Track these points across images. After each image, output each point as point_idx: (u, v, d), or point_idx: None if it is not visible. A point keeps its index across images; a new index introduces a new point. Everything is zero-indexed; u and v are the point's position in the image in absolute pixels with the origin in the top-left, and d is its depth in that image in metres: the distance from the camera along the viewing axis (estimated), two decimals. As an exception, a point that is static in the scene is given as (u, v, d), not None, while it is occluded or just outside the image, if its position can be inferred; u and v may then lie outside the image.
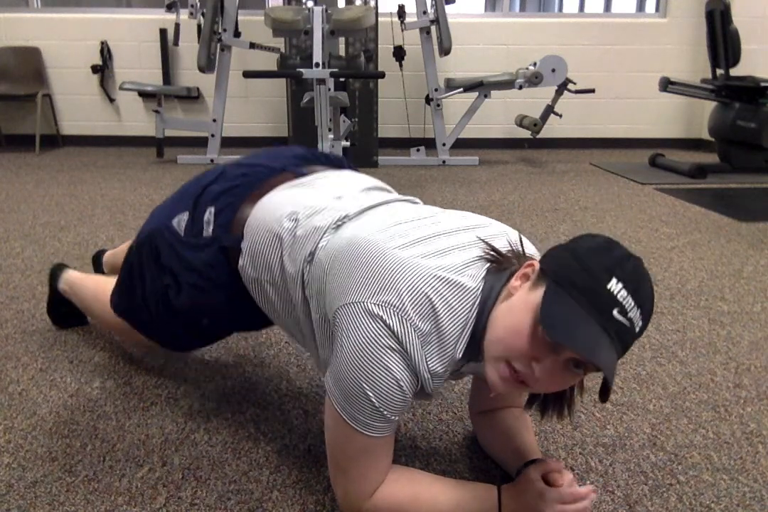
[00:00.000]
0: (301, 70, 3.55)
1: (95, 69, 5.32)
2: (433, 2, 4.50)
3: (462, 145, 5.23)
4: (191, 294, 1.24)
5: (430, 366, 0.93)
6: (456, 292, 0.92)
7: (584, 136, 5.60)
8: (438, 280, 0.92)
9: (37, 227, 2.92)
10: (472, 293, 0.93)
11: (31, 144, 5.12)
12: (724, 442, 1.32)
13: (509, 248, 1.02)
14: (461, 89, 4.62)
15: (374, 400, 0.92)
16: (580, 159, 5.12)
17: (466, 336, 0.94)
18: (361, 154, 4.65)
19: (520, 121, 4.89)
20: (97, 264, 1.90)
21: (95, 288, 1.59)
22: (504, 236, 1.05)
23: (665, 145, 5.59)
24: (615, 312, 0.83)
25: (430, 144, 5.07)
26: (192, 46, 4.89)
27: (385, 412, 0.93)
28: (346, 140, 4.10)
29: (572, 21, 5.37)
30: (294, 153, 1.38)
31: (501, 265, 0.97)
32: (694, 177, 4.21)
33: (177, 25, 4.72)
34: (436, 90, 4.72)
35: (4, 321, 1.88)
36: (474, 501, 1.02)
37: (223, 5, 4.39)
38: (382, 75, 3.53)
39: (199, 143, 5.15)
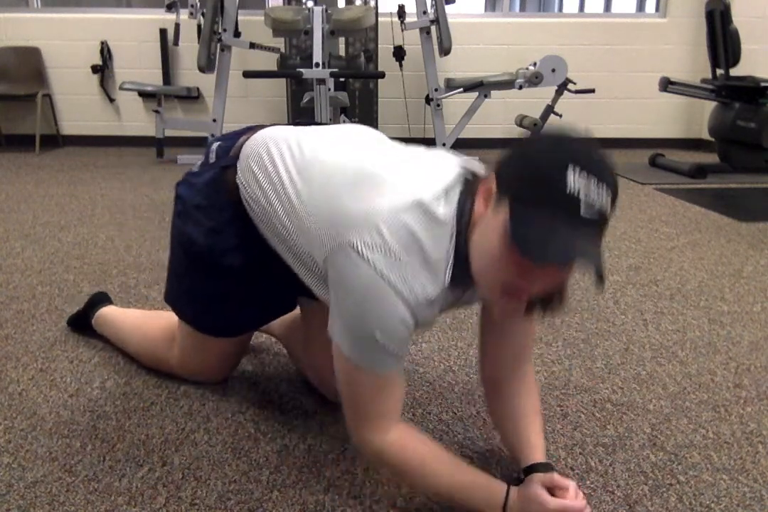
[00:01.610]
0: (301, 70, 3.55)
1: (95, 69, 5.32)
2: (433, 2, 4.50)
3: (462, 145, 5.23)
4: (196, 218, 1.27)
5: (426, 291, 0.96)
6: (434, 222, 0.96)
7: (584, 136, 5.59)
8: (418, 210, 0.96)
9: (37, 227, 2.92)
10: (448, 220, 0.97)
11: (31, 144, 5.12)
12: (724, 442, 1.32)
13: (473, 171, 1.05)
14: (461, 89, 4.62)
15: (379, 336, 0.96)
16: (580, 159, 5.11)
17: (450, 262, 0.98)
18: (361, 154, 4.64)
19: (520, 121, 4.89)
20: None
21: (133, 322, 1.65)
22: (467, 163, 1.08)
23: (665, 145, 5.59)
24: (582, 212, 0.84)
25: (430, 144, 5.05)
26: (192, 46, 4.88)
27: (391, 346, 0.97)
28: (346, 140, 4.09)
29: (572, 21, 5.37)
30: None
31: (470, 188, 1.00)
32: (694, 177, 4.20)
33: (177, 25, 4.72)
34: (436, 90, 4.72)
35: (4, 321, 1.88)
36: (482, 490, 1.03)
37: (223, 5, 4.39)
38: (382, 75, 3.53)
39: (199, 143, 5.15)
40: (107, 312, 1.72)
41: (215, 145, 1.32)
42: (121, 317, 1.69)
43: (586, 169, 0.85)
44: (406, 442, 1.05)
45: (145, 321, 1.64)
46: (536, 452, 1.12)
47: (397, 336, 0.97)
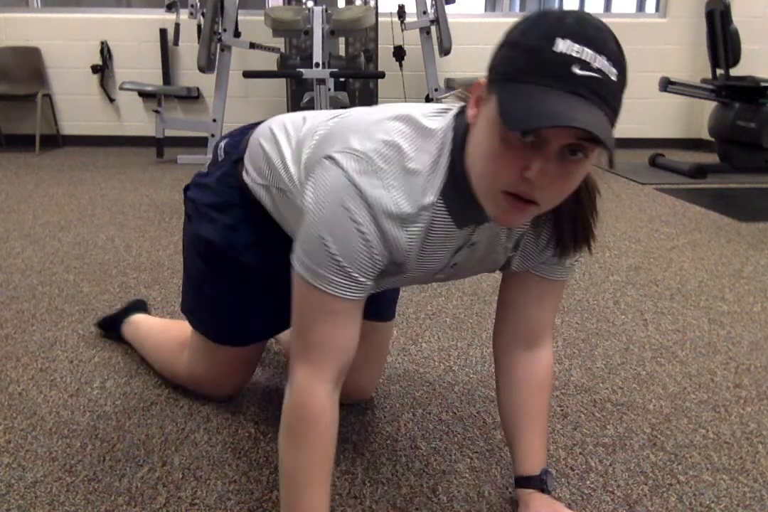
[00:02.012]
0: (301, 70, 3.55)
1: (95, 69, 5.32)
2: (433, 2, 4.50)
3: (462, 145, 5.23)
4: (210, 216, 1.25)
5: (399, 206, 0.89)
6: (421, 132, 0.91)
7: (584, 136, 5.60)
8: (404, 121, 0.92)
9: (37, 227, 2.92)
10: (438, 133, 0.91)
11: (31, 144, 5.12)
12: (724, 442, 1.32)
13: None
14: (461, 89, 4.61)
15: (332, 247, 0.88)
16: (580, 159, 5.11)
17: (441, 178, 0.91)
18: (361, 154, 4.64)
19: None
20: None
21: (153, 328, 1.64)
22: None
23: (665, 145, 5.59)
24: (574, 69, 0.74)
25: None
26: (192, 46, 4.89)
27: (345, 263, 0.89)
28: (346, 140, 4.09)
29: (572, 21, 5.37)
30: None
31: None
32: (694, 177, 4.21)
33: (177, 25, 4.72)
34: (436, 90, 4.72)
35: (4, 321, 1.88)
36: None
37: (223, 5, 4.39)
38: (382, 75, 3.53)
39: (199, 143, 5.15)
40: (135, 319, 1.70)
41: (223, 143, 1.30)
42: (142, 323, 1.67)
43: (579, 42, 0.74)
44: (324, 420, 0.94)
45: (163, 328, 1.61)
46: (532, 460, 1.09)
47: (351, 250, 0.88)
